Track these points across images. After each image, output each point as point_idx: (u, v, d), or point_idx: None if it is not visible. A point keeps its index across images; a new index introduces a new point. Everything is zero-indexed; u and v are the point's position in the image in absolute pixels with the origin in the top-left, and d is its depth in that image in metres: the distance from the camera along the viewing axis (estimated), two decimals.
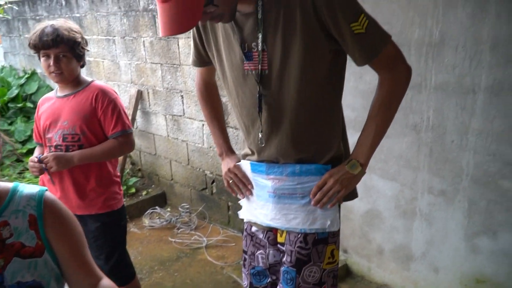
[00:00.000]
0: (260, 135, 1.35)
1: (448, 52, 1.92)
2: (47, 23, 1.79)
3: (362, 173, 1.30)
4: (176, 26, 1.05)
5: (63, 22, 1.81)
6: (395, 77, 1.23)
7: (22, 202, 0.99)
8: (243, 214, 1.52)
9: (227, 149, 1.55)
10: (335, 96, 1.31)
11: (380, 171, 2.32)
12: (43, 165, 1.79)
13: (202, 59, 1.45)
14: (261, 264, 1.50)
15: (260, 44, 1.19)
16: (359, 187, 1.42)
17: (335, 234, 1.38)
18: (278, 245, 1.44)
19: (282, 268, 1.40)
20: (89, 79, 1.94)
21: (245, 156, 1.47)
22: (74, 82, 1.88)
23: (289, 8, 1.14)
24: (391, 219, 2.37)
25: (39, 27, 1.79)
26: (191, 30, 1.37)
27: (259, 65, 1.23)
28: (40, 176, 1.92)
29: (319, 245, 1.34)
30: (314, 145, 1.32)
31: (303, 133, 1.30)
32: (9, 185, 1.02)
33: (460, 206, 2.07)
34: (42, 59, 1.81)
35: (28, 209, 0.99)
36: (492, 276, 2.07)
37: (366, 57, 1.18)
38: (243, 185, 1.45)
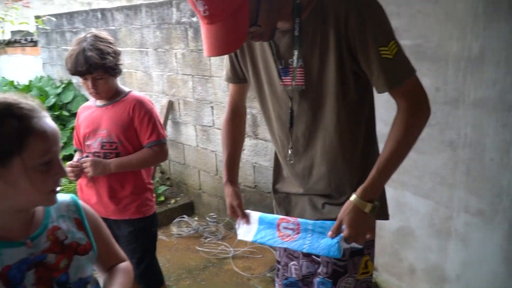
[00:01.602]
0: (290, 152, 1.35)
1: (489, 67, 1.85)
2: (80, 47, 1.79)
3: (374, 207, 1.19)
4: (222, 48, 1.07)
5: (96, 42, 1.81)
6: (414, 111, 1.16)
7: (62, 208, 1.10)
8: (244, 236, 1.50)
9: (229, 179, 1.53)
10: (367, 122, 1.30)
11: (414, 188, 2.25)
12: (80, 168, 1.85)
13: (237, 74, 1.45)
14: (294, 275, 1.49)
15: (295, 61, 1.20)
16: (391, 203, 1.38)
17: (370, 245, 1.36)
18: (313, 256, 1.42)
19: (317, 279, 1.38)
20: (126, 89, 1.99)
21: (274, 185, 1.50)
22: (112, 93, 1.94)
23: (325, 27, 1.15)
24: (424, 237, 2.30)
25: (71, 53, 1.81)
26: None
27: (293, 81, 1.24)
28: (79, 182, 1.99)
29: (356, 257, 1.33)
30: (346, 166, 1.31)
31: (335, 151, 1.29)
32: None
33: (500, 228, 1.98)
34: (81, 79, 1.87)
35: (71, 214, 1.11)
36: None
37: (389, 83, 1.14)
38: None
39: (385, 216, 1.38)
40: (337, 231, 1.22)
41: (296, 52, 1.19)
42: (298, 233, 1.30)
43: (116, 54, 1.87)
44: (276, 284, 1.58)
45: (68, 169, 1.88)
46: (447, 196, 2.14)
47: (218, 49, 1.07)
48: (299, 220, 1.32)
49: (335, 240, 1.22)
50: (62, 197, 1.10)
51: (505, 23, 1.78)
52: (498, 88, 1.85)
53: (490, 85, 1.87)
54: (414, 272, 2.38)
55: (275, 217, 1.39)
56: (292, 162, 1.36)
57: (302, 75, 1.22)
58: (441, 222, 2.20)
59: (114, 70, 1.86)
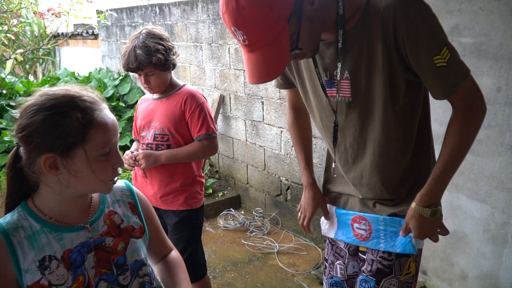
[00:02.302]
0: (333, 165, 1.38)
1: None
2: (132, 45, 1.87)
3: (434, 212, 1.21)
4: (263, 76, 1.07)
5: (147, 40, 1.87)
6: (470, 113, 1.15)
7: (117, 193, 1.15)
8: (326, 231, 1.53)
9: (308, 183, 1.54)
10: (419, 124, 1.27)
11: (469, 191, 2.17)
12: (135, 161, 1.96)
13: (287, 80, 1.45)
14: (339, 275, 1.50)
15: (339, 73, 1.19)
16: (444, 206, 1.34)
17: (418, 253, 1.35)
18: (359, 254, 1.42)
19: (360, 277, 1.38)
20: (181, 82, 2.05)
21: (324, 184, 1.52)
22: (168, 86, 2.00)
23: (371, 38, 1.12)
24: (478, 243, 2.21)
25: (126, 49, 1.90)
26: None
27: (337, 94, 1.22)
28: (134, 171, 2.10)
29: (402, 258, 1.32)
30: (398, 173, 1.30)
31: (385, 161, 1.27)
32: None
33: None
34: (136, 75, 1.96)
35: (125, 198, 1.16)
36: None
37: (446, 92, 1.12)
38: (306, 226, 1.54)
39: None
40: (406, 231, 1.27)
41: (339, 65, 1.17)
42: (370, 233, 1.35)
43: (168, 50, 1.92)
44: (324, 281, 1.59)
45: (125, 157, 1.98)
46: (505, 201, 2.04)
47: (259, 77, 1.07)
48: (369, 219, 1.35)
49: (408, 238, 1.27)
50: (117, 183, 1.12)
51: None
52: None
53: None
54: (466, 278, 2.30)
55: (348, 216, 1.42)
56: (335, 176, 1.40)
57: (349, 86, 1.20)
58: (497, 228, 2.11)
59: (164, 65, 1.91)
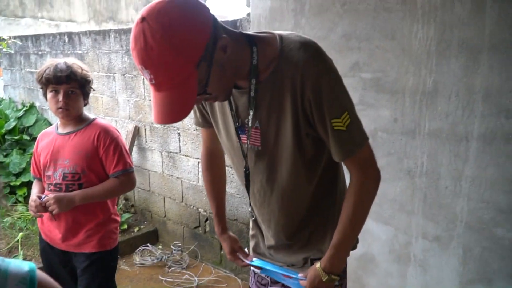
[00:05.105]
0: (249, 208, 1.40)
1: (442, 101, 1.98)
2: (58, 60, 1.83)
3: (331, 280, 1.26)
4: (168, 116, 1.04)
5: (74, 60, 1.86)
6: (363, 183, 1.20)
7: (10, 283, 0.81)
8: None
9: (218, 233, 1.55)
10: (328, 177, 1.30)
11: (375, 214, 2.32)
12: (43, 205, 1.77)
13: (205, 119, 1.42)
14: None
15: (250, 121, 1.19)
16: None
17: (343, 277, 1.37)
18: (282, 284, 1.44)
19: None
20: (91, 116, 1.96)
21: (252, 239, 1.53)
22: (77, 119, 1.89)
23: (282, 92, 1.13)
24: (385, 263, 2.35)
25: (50, 62, 1.82)
26: None
27: (248, 141, 1.23)
28: None
29: None
30: (305, 231, 1.34)
31: (292, 216, 1.31)
32: None
33: (455, 253, 2.07)
34: (50, 94, 1.82)
35: None
36: None
37: (342, 154, 1.16)
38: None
39: (354, 246, 1.40)
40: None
41: (251, 113, 1.18)
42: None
43: (90, 79, 1.89)
44: None
45: (30, 203, 1.81)
46: (406, 223, 2.22)
47: (165, 118, 1.04)
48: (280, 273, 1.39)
49: None
50: (17, 267, 0.83)
51: (454, 60, 1.91)
52: (450, 120, 1.97)
53: (443, 117, 1.99)
54: None
55: (265, 271, 1.44)
56: (253, 218, 1.42)
57: (259, 136, 1.21)
58: (401, 248, 2.27)
59: (87, 91, 1.86)
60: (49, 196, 1.78)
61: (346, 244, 1.24)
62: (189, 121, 3.30)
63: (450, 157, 2.00)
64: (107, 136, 1.87)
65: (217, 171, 1.55)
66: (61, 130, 1.91)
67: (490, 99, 1.85)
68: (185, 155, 3.43)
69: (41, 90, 1.91)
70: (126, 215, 3.89)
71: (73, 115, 1.87)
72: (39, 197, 1.80)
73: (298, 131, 1.15)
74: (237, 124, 1.23)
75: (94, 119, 1.93)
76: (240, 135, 1.25)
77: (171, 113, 1.03)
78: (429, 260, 2.17)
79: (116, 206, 2.03)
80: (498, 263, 1.95)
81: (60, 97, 1.80)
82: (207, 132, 1.48)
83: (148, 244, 3.65)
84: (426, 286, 2.21)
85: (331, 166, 1.28)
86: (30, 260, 3.17)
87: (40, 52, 4.80)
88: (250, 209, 1.42)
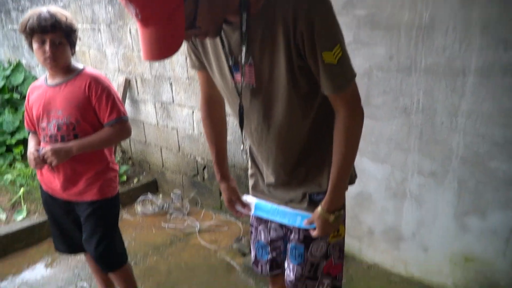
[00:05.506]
0: (242, 147, 1.43)
1: (438, 35, 1.94)
2: (41, 8, 1.74)
3: (338, 216, 1.31)
4: (157, 53, 1.00)
5: (58, 9, 1.77)
6: (350, 119, 1.19)
7: None
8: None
9: (218, 179, 1.57)
10: (324, 114, 1.29)
11: (371, 154, 2.35)
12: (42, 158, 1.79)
13: (200, 60, 1.38)
14: (263, 239, 1.56)
15: (243, 58, 1.16)
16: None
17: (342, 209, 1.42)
18: None
19: (290, 245, 1.45)
20: (80, 66, 1.90)
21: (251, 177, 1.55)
22: (65, 70, 1.85)
23: (274, 26, 1.10)
24: (381, 200, 2.41)
25: (34, 12, 1.73)
26: None
27: (242, 78, 1.21)
28: None
29: None
30: (302, 167, 1.35)
31: (290, 153, 1.32)
32: None
33: (450, 187, 2.12)
34: (36, 45, 1.75)
35: None
36: (481, 255, 2.13)
37: (332, 88, 1.14)
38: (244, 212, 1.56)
39: (352, 181, 1.43)
40: (309, 224, 1.36)
41: (244, 48, 1.14)
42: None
43: (75, 28, 1.82)
44: (251, 246, 1.64)
45: (29, 156, 1.81)
46: (402, 160, 2.25)
47: (153, 54, 1.00)
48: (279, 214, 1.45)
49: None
50: None
51: None
52: (447, 55, 1.94)
53: (440, 52, 1.96)
54: (373, 233, 2.51)
55: (265, 211, 1.49)
56: (245, 156, 1.43)
57: (253, 73, 1.18)
58: (397, 185, 2.32)
59: (74, 40, 1.80)
60: (46, 148, 1.78)
61: (343, 181, 1.27)
62: (181, 69, 3.24)
63: (446, 92, 1.99)
64: (98, 85, 1.83)
65: (217, 118, 1.54)
66: (50, 82, 1.87)
67: (488, 31, 1.81)
68: (179, 105, 3.39)
69: (26, 45, 1.84)
70: (124, 167, 3.92)
71: (61, 65, 1.82)
72: (37, 150, 1.80)
73: (291, 66, 1.13)
74: (230, 62, 1.21)
75: (83, 69, 1.89)
76: (234, 73, 1.23)
77: (160, 49, 1.00)
78: (424, 195, 2.23)
79: (113, 155, 2.03)
80: (492, 194, 2.00)
81: (47, 47, 1.74)
82: (203, 75, 1.45)
83: (149, 194, 3.71)
84: (422, 220, 2.28)
85: (327, 102, 1.27)
86: (34, 213, 3.22)
87: (20, 8, 4.59)
88: (244, 148, 1.43)
